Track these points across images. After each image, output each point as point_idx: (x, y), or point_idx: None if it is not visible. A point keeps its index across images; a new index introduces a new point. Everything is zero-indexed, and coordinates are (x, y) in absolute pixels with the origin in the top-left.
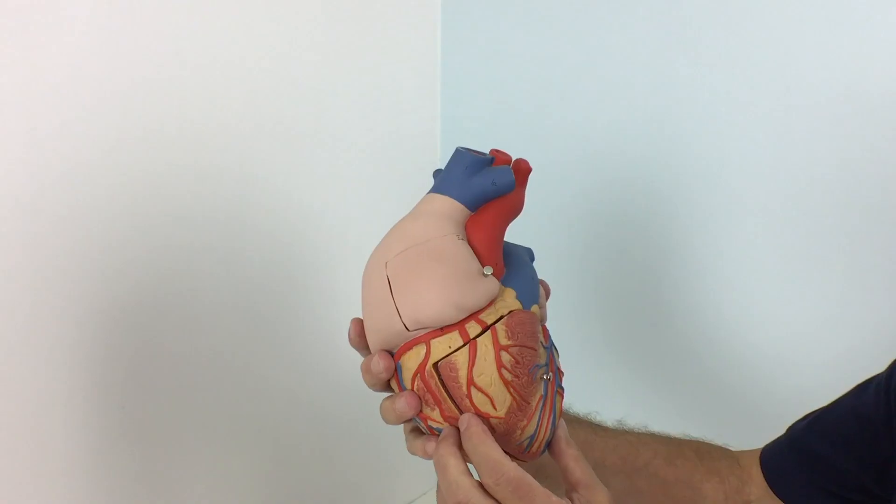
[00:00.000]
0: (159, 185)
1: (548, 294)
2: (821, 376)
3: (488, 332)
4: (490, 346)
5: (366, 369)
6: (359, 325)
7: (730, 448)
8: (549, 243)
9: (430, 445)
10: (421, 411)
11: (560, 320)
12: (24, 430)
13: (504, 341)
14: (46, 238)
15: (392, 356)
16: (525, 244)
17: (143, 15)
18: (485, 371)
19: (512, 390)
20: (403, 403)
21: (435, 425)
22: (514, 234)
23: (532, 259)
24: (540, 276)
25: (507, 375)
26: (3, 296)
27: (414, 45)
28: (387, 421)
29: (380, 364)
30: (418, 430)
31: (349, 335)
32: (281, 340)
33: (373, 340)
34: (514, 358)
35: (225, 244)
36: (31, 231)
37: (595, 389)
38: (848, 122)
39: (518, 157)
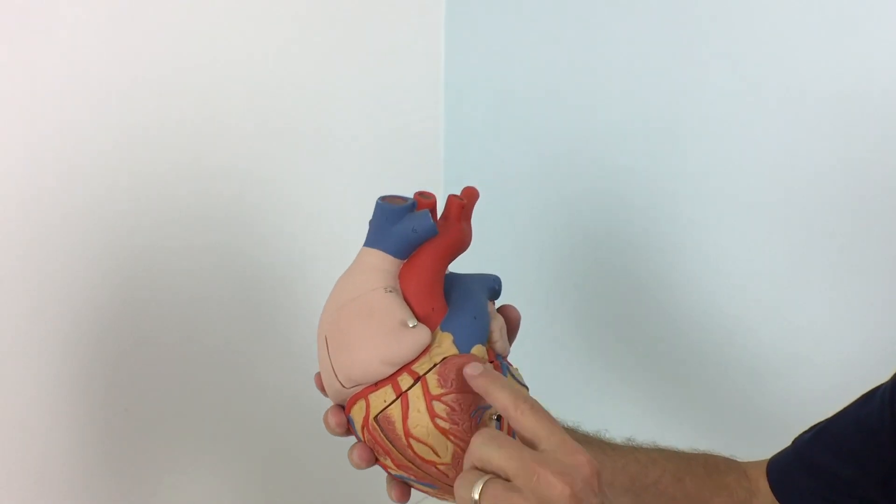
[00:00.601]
0: (160, 184)
1: (517, 321)
2: (827, 380)
3: (419, 384)
4: (421, 398)
5: (325, 422)
6: (319, 379)
7: (737, 459)
8: (551, 247)
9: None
10: (377, 459)
11: (563, 330)
12: (22, 429)
13: (436, 390)
14: (46, 238)
15: (344, 410)
16: (529, 248)
17: (144, 15)
18: (419, 423)
19: (452, 437)
20: (356, 457)
21: (393, 472)
22: (520, 236)
23: (497, 288)
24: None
25: (444, 424)
26: (3, 295)
27: (417, 45)
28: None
29: (332, 420)
30: None
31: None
32: (282, 341)
33: (329, 394)
34: (448, 406)
35: (226, 244)
36: (30, 231)
37: (602, 403)
38: (847, 122)
39: (468, 185)
